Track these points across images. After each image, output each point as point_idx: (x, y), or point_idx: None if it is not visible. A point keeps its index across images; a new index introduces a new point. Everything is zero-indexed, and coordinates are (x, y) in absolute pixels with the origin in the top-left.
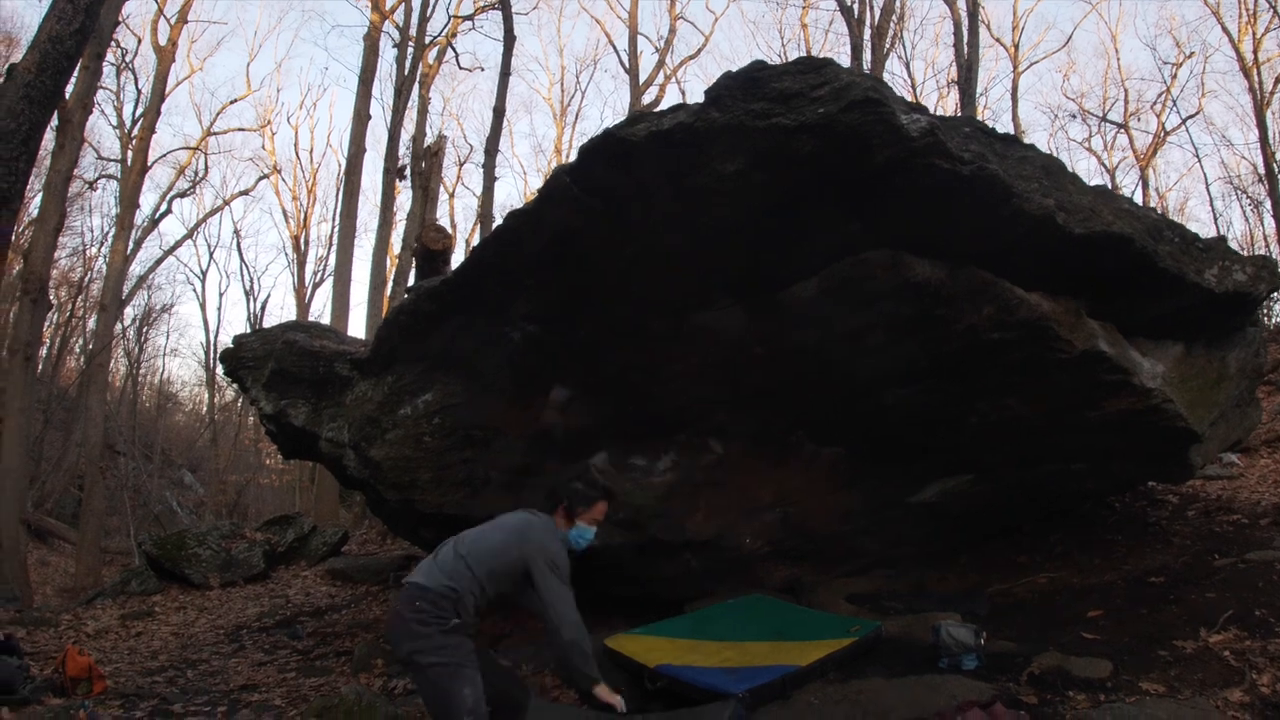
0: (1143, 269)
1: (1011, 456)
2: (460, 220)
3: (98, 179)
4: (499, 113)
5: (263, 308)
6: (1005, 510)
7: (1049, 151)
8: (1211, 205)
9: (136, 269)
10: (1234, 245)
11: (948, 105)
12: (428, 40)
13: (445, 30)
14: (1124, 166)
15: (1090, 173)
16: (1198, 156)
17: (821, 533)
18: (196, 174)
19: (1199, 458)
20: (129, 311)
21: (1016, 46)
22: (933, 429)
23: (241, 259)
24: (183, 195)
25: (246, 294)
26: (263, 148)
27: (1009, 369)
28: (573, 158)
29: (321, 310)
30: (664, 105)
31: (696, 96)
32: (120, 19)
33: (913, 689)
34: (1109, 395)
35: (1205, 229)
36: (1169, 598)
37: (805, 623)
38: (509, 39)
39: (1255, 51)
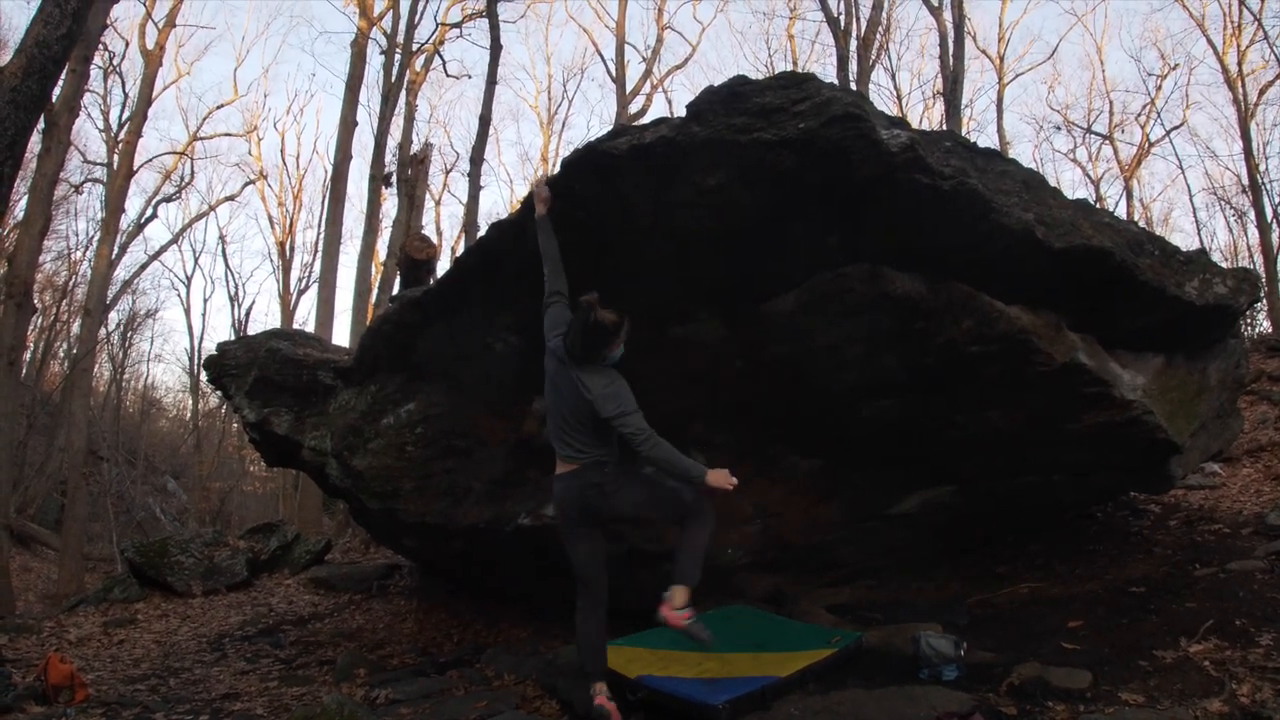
0: (1123, 282)
1: (991, 468)
2: (446, 228)
3: (84, 183)
4: (485, 121)
5: (247, 314)
6: (985, 521)
7: (1034, 163)
8: (1195, 216)
9: (121, 274)
10: (1218, 256)
11: (933, 116)
12: (415, 47)
13: (433, 38)
14: (1109, 178)
15: (1075, 184)
16: (1182, 168)
17: (802, 544)
18: (182, 179)
19: (1180, 469)
20: (113, 316)
21: (1002, 58)
22: (912, 441)
23: (226, 265)
24: (168, 200)
25: (231, 300)
26: (249, 153)
27: (989, 382)
28: (557, 168)
29: (306, 317)
30: (651, 115)
31: (682, 107)
32: (108, 22)
33: (893, 700)
34: (1089, 408)
35: (1189, 240)
36: (1149, 608)
37: (786, 633)
38: (496, 47)
39: (1240, 63)
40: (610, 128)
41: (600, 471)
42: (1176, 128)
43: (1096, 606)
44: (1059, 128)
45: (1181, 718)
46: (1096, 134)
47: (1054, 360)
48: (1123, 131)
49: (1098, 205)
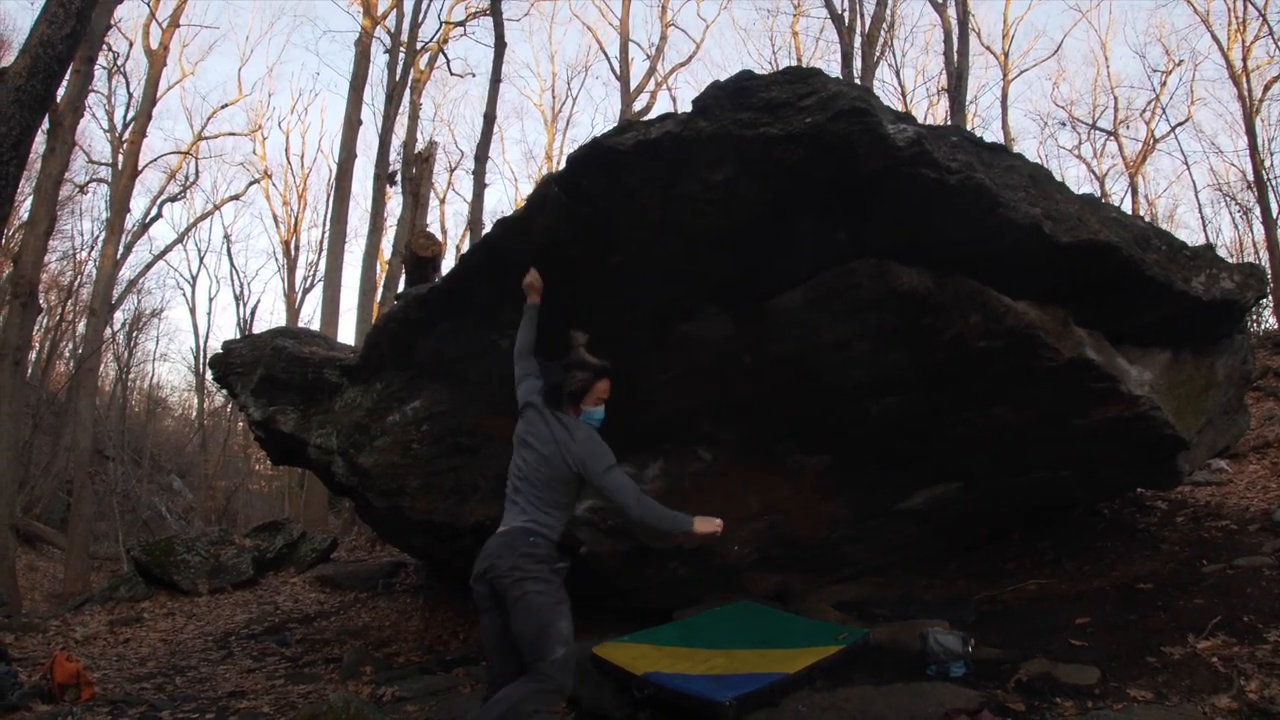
0: (1130, 277)
1: (999, 464)
2: (451, 226)
3: (88, 183)
4: (489, 119)
5: (252, 313)
6: (993, 517)
7: (1039, 159)
8: (1200, 212)
9: (126, 273)
10: (1223, 252)
11: (938, 113)
12: (419, 46)
13: (437, 36)
14: (1113, 174)
15: (1080, 180)
16: (1187, 164)
17: (809, 540)
18: (187, 178)
19: (1187, 465)
20: (119, 316)
21: (1006, 54)
22: (920, 437)
23: (232, 264)
24: (173, 200)
25: (236, 299)
26: (254, 152)
27: (996, 377)
28: (563, 165)
29: (311, 316)
30: (655, 112)
31: (687, 104)
32: (112, 22)
33: (901, 696)
34: (1097, 403)
35: (1194, 236)
36: (1157, 604)
37: (793, 630)
38: (500, 45)
39: (1244, 59)
40: (615, 125)
41: (527, 541)
42: (1181, 124)
43: (1104, 603)
44: (1064, 124)
45: (1190, 714)
46: (1101, 130)
47: (1061, 355)
48: (1127, 128)
49: (1103, 201)
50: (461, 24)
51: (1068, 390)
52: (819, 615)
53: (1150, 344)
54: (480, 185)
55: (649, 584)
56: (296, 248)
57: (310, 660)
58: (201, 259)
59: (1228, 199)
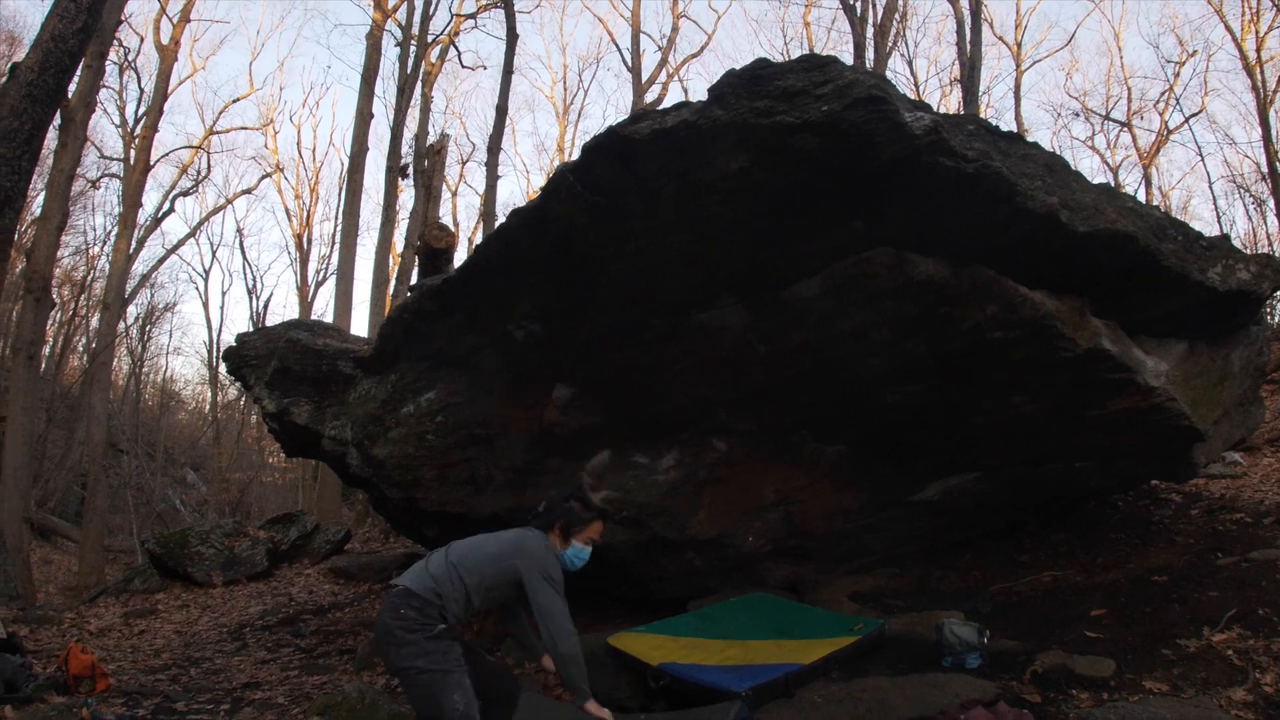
0: (1146, 267)
1: (1015, 455)
2: (463, 219)
3: (100, 178)
4: (502, 110)
5: (265, 306)
6: (1009, 508)
7: (1052, 150)
8: (1215, 204)
9: (139, 267)
10: (1237, 244)
11: (950, 104)
12: (430, 39)
13: (448, 29)
14: (1127, 165)
15: (1093, 171)
16: (1201, 155)
17: (824, 531)
18: (199, 173)
19: (1203, 456)
20: (132, 310)
21: (1019, 45)
22: (936, 427)
23: (244, 257)
24: (185, 194)
25: (249, 292)
26: (265, 146)
27: (1013, 368)
28: (575, 156)
29: (324, 309)
30: (666, 104)
31: (699, 95)
32: (123, 18)
33: (916, 687)
34: (1113, 394)
35: (1208, 228)
36: (1172, 596)
37: (808, 621)
38: (511, 37)
39: (1258, 50)
40: (629, 115)
41: (400, 612)
42: (1195, 115)
43: (1119, 595)
44: (1077, 115)
45: (1206, 707)
46: (1115, 121)
47: (1077, 346)
48: (1141, 118)
49: (1119, 191)
50: (472, 16)
51: (1084, 381)
52: (834, 606)
53: (1166, 335)
54: (493, 176)
55: (664, 574)
56: (309, 241)
57: (324, 651)
58: (214, 253)
59: (1242, 191)
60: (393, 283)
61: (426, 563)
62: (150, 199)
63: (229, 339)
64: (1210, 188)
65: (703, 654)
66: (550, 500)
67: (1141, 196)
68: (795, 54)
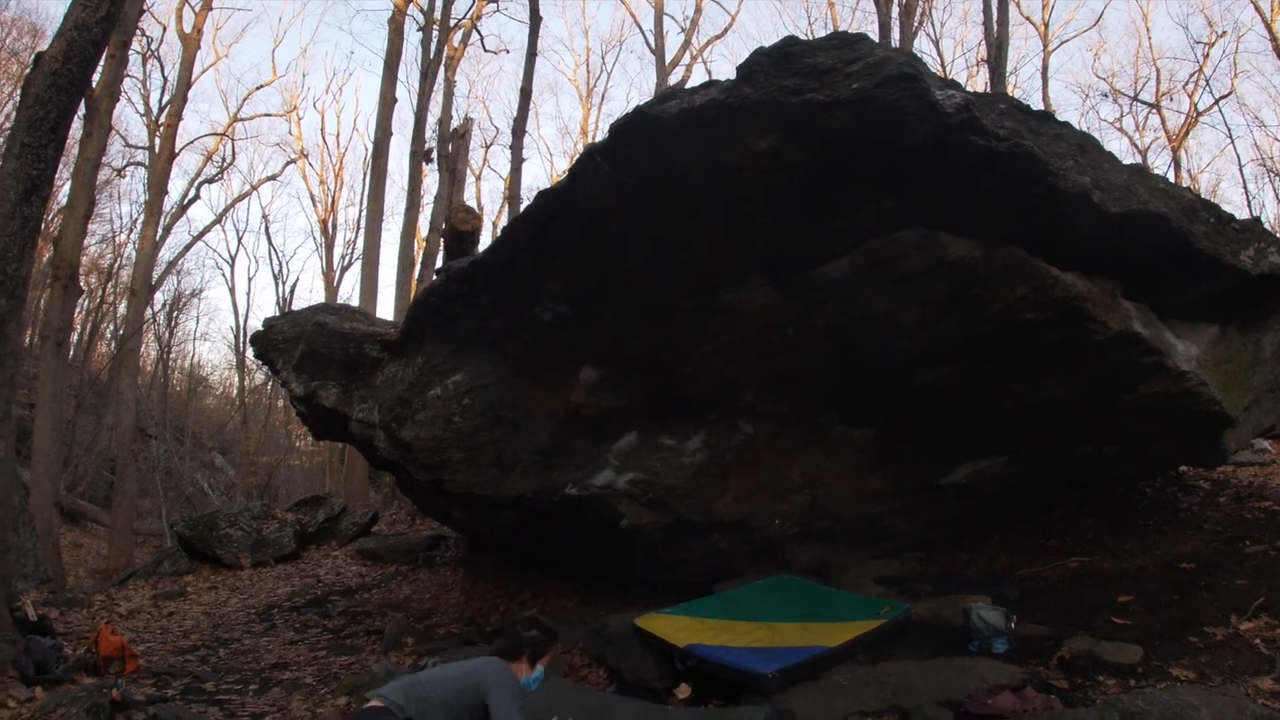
0: (1178, 249)
1: (1045, 438)
2: (487, 203)
3: (126, 166)
4: (525, 93)
5: (291, 291)
6: (1037, 493)
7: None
8: (1245, 187)
9: (166, 255)
10: (1268, 228)
11: (977, 84)
12: (452, 23)
13: (470, 13)
14: (1155, 147)
15: (1122, 153)
16: (1230, 138)
17: (851, 514)
18: (224, 160)
19: (1233, 442)
20: (159, 297)
21: (1047, 25)
22: (966, 410)
23: (270, 243)
24: (211, 181)
25: (275, 278)
26: (289, 133)
27: (1044, 350)
28: (599, 138)
29: (350, 293)
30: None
31: (722, 77)
32: (145, 7)
33: (943, 671)
34: (1144, 377)
35: (1238, 211)
36: (1200, 584)
37: (835, 604)
38: (535, 18)
39: None
40: (655, 95)
41: None
42: (1224, 96)
43: (1147, 582)
44: (1105, 96)
45: (1233, 694)
46: (1143, 103)
47: (1109, 328)
48: (1170, 100)
49: (1150, 171)
50: (494, 0)
51: (1115, 364)
52: (860, 589)
53: (1197, 318)
54: (518, 159)
55: (690, 556)
56: (334, 226)
57: (352, 632)
58: (240, 239)
59: (1272, 174)
60: (418, 267)
61: (399, 682)
62: (176, 186)
63: (256, 324)
64: (1240, 171)
65: (729, 635)
66: (510, 632)
67: (1170, 179)
68: (820, 35)
